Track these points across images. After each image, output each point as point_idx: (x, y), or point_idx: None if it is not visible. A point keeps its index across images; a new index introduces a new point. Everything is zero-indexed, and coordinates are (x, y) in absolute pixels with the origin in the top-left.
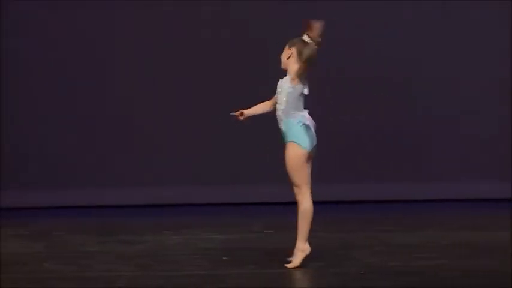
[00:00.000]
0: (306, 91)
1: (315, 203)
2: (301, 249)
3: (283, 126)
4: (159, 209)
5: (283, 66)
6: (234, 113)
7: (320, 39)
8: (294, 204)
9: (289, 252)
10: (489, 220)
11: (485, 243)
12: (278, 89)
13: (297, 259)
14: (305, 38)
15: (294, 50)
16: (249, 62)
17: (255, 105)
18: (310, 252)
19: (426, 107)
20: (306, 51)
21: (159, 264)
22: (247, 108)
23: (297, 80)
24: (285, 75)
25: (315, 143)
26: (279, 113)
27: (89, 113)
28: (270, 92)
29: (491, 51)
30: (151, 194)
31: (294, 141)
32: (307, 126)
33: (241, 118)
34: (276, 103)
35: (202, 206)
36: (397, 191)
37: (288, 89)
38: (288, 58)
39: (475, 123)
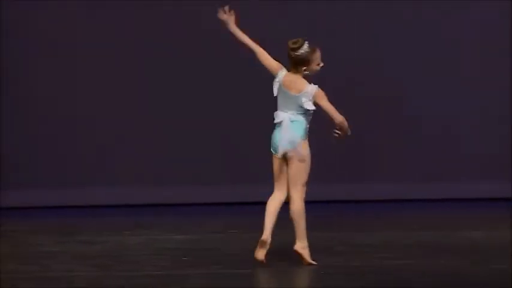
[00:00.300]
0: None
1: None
2: (304, 246)
3: (295, 125)
4: (119, 210)
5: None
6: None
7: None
8: (254, 204)
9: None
10: (475, 220)
11: (449, 243)
12: (289, 88)
13: (307, 257)
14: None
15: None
16: (246, 63)
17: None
18: (268, 253)
19: (426, 106)
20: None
21: (119, 265)
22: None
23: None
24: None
25: None
26: (297, 112)
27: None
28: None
29: (490, 51)
30: (111, 194)
31: (306, 140)
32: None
33: (224, 17)
34: (265, 61)
35: (162, 206)
36: (354, 191)
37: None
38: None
39: (476, 123)
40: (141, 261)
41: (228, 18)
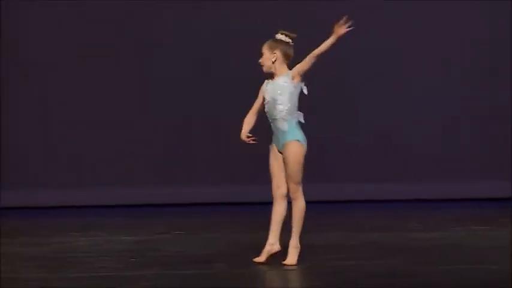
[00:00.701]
0: (305, 90)
1: (227, 204)
2: (296, 246)
3: (285, 125)
4: (67, 211)
5: (267, 69)
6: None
7: (295, 35)
8: (200, 205)
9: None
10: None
11: (402, 243)
12: (269, 92)
13: (293, 257)
14: (283, 37)
15: (278, 52)
16: (244, 63)
17: (243, 124)
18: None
19: (425, 106)
20: (290, 51)
21: (67, 266)
22: (243, 130)
23: (298, 78)
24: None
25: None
26: (280, 114)
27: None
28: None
29: (491, 51)
30: (59, 196)
31: (297, 140)
32: (302, 124)
33: (248, 140)
34: (260, 108)
35: (110, 208)
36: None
37: (291, 88)
38: (274, 62)
39: (475, 123)
40: (89, 263)
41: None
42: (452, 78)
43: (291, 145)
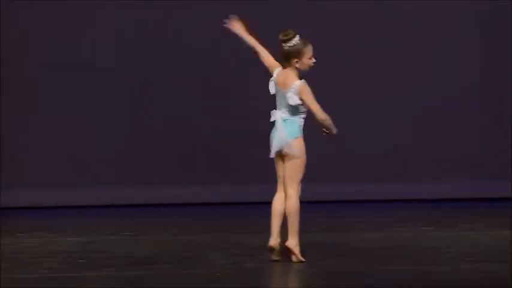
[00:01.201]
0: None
1: (179, 205)
2: (295, 243)
3: (287, 124)
4: (13, 212)
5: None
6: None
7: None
8: (148, 206)
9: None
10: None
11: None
12: (281, 86)
13: (298, 254)
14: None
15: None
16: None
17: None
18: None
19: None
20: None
21: (13, 267)
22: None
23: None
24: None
25: None
26: (288, 110)
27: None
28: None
29: (491, 51)
30: (5, 197)
31: (300, 137)
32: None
33: (233, 27)
34: (264, 59)
35: (58, 209)
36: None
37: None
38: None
39: (475, 123)
40: (35, 264)
41: (236, 26)
42: (452, 77)
43: (295, 143)
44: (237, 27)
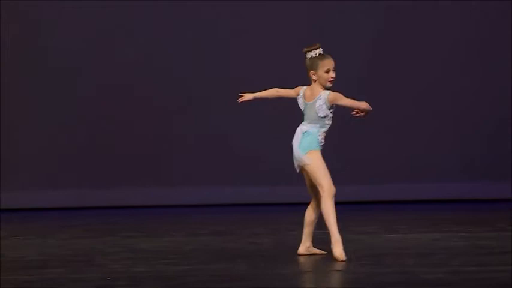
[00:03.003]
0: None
1: (58, 209)
2: (334, 241)
3: (305, 136)
4: None
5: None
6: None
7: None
8: (37, 210)
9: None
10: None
11: (237, 248)
12: (307, 99)
13: (336, 250)
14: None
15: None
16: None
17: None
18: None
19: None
20: None
21: None
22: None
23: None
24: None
25: None
26: (311, 122)
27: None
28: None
29: (491, 51)
30: None
31: (316, 150)
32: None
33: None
34: (283, 96)
35: None
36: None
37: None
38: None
39: (475, 122)
40: None
41: (247, 96)
42: (452, 77)
43: (315, 154)
44: (248, 96)
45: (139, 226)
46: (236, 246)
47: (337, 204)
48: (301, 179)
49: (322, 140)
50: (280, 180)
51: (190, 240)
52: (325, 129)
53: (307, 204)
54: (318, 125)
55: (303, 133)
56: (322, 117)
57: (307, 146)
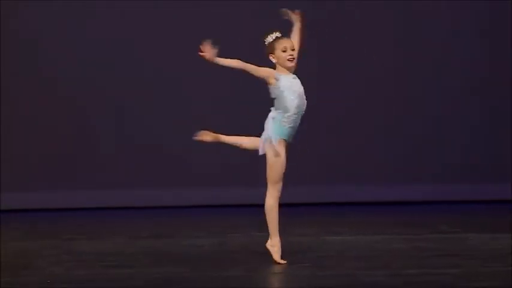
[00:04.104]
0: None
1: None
2: (272, 244)
3: (271, 122)
4: None
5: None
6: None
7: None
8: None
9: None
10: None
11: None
12: (295, 87)
13: (275, 255)
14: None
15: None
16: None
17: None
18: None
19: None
20: None
21: None
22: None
23: None
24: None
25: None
26: (276, 108)
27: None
28: None
29: (491, 51)
30: None
31: (281, 139)
32: None
33: (208, 56)
34: (245, 71)
35: None
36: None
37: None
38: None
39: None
40: None
41: (211, 54)
42: (452, 79)
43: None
44: (214, 56)
45: (81, 229)
46: (178, 250)
47: (281, 206)
48: (239, 180)
49: (290, 129)
50: (214, 182)
51: (132, 242)
52: (288, 113)
53: (249, 206)
54: (280, 110)
55: (272, 118)
56: (274, 99)
57: (276, 132)
